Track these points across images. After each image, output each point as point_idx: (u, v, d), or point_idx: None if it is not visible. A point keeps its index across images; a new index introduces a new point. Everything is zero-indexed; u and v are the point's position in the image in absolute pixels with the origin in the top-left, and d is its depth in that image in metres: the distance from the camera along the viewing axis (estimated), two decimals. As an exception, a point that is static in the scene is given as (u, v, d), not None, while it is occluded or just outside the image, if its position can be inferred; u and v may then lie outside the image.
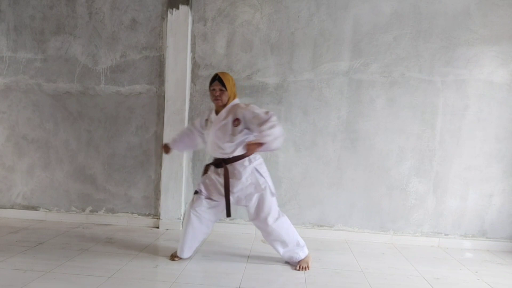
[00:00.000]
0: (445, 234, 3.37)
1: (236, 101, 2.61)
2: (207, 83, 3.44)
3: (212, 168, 2.68)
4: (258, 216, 2.62)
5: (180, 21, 3.40)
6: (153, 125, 3.54)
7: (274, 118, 2.40)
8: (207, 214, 2.68)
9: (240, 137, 2.51)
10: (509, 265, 2.98)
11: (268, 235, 2.67)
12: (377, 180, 3.38)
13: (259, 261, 2.80)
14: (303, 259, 2.68)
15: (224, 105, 2.56)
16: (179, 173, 3.45)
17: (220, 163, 2.58)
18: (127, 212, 3.61)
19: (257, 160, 2.62)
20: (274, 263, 2.76)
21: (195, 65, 3.48)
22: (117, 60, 3.55)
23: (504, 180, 3.31)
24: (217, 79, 2.53)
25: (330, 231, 3.43)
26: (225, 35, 3.44)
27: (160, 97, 3.52)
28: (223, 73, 2.59)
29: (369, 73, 3.34)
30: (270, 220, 2.59)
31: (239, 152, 2.55)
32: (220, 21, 3.44)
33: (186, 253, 2.72)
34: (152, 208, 3.58)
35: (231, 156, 2.54)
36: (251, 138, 2.51)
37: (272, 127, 2.35)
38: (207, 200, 2.67)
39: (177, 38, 3.41)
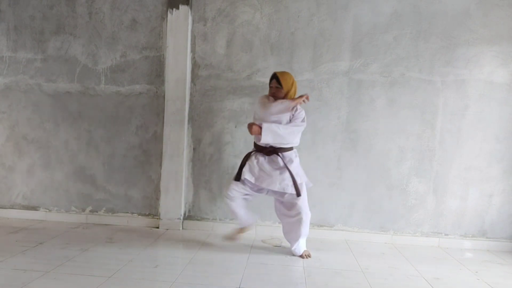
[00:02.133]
0: (445, 234, 3.37)
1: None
2: (207, 83, 3.47)
3: (260, 156, 2.81)
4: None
5: (180, 21, 3.40)
6: (153, 125, 3.54)
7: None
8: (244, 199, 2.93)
9: None
10: (509, 265, 2.98)
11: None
12: (377, 180, 3.38)
13: (259, 261, 2.79)
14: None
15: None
16: (179, 173, 3.45)
17: (273, 150, 2.79)
18: (127, 212, 3.60)
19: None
20: (274, 263, 2.76)
21: (195, 65, 3.48)
22: (117, 60, 3.55)
23: (504, 180, 3.31)
24: (275, 78, 2.78)
25: (330, 231, 3.43)
26: (225, 35, 3.44)
27: (160, 97, 3.51)
28: (281, 72, 2.84)
29: (369, 73, 3.34)
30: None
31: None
32: (220, 21, 3.43)
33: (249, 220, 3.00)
34: (152, 208, 3.58)
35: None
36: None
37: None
38: (249, 188, 2.84)
39: (177, 38, 3.41)
